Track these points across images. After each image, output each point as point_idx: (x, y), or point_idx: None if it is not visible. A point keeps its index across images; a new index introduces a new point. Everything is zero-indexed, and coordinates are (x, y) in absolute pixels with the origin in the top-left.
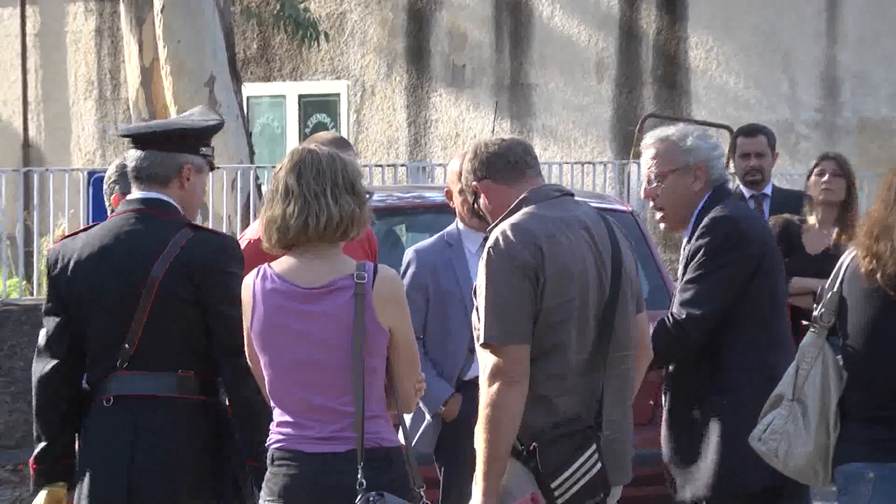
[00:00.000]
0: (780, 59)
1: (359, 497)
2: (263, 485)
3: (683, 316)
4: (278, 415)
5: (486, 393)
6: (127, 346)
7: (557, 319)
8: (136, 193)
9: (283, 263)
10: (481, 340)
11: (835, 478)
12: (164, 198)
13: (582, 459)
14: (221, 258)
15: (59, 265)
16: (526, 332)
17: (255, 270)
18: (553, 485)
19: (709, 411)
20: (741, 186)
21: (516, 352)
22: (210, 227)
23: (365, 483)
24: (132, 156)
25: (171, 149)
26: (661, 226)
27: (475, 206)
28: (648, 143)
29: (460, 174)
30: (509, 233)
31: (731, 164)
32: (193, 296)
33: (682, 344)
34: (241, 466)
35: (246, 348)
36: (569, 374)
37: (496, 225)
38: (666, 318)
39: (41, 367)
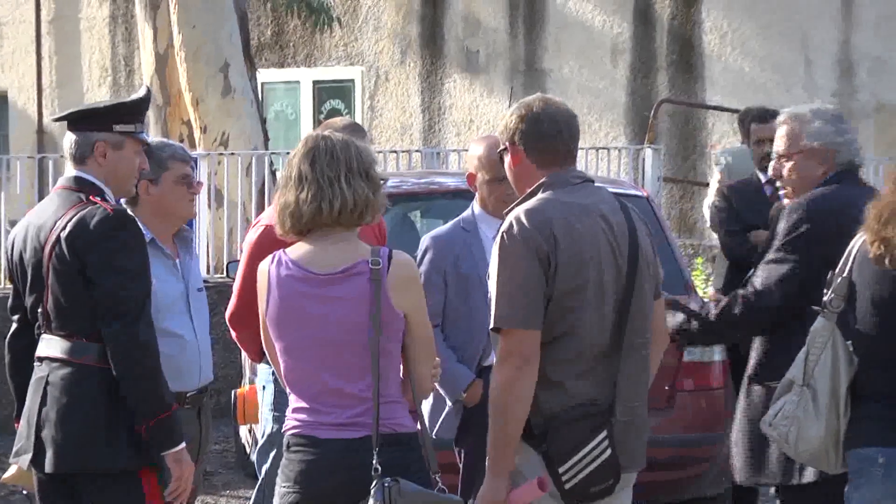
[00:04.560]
0: (796, 42)
1: (374, 482)
2: (280, 471)
3: (750, 297)
4: (294, 401)
5: (496, 377)
6: (40, 311)
7: (570, 305)
8: (66, 172)
9: (299, 249)
10: (492, 324)
11: (846, 461)
12: (84, 175)
13: (592, 445)
14: (98, 229)
15: (10, 239)
16: (537, 317)
17: (271, 257)
18: (561, 469)
19: (748, 396)
20: (758, 172)
21: (527, 336)
22: (225, 212)
23: (380, 469)
24: (66, 138)
25: (84, 129)
26: (786, 201)
27: (501, 159)
28: (781, 119)
29: (484, 160)
30: (523, 217)
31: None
32: (77, 266)
33: (744, 322)
34: (133, 428)
35: (262, 336)
36: (582, 359)
37: (512, 209)
38: (737, 294)
39: (9, 330)
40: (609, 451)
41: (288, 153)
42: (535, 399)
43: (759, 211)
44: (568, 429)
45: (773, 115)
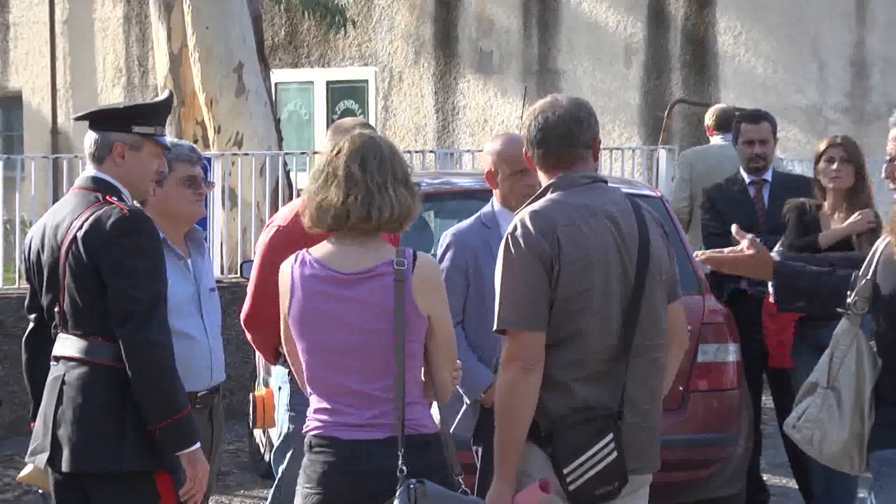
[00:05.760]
0: (809, 43)
1: (399, 484)
2: (301, 471)
3: None
4: (315, 401)
5: (500, 379)
6: (57, 310)
7: (574, 308)
8: (84, 172)
9: (323, 249)
10: (495, 326)
11: (869, 464)
12: (101, 175)
13: (597, 447)
14: (111, 230)
15: (27, 239)
16: (541, 318)
17: (294, 256)
18: (566, 471)
19: None
20: (742, 172)
21: (531, 338)
22: (239, 213)
23: (406, 470)
24: (86, 137)
25: (104, 129)
26: None
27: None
28: (895, 122)
29: (503, 154)
30: (527, 219)
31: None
32: (92, 266)
33: None
34: (147, 428)
35: (283, 336)
36: (588, 362)
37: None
38: None
39: (26, 329)
40: (615, 454)
41: (302, 153)
42: (542, 401)
43: (745, 211)
44: (574, 431)
45: (763, 116)
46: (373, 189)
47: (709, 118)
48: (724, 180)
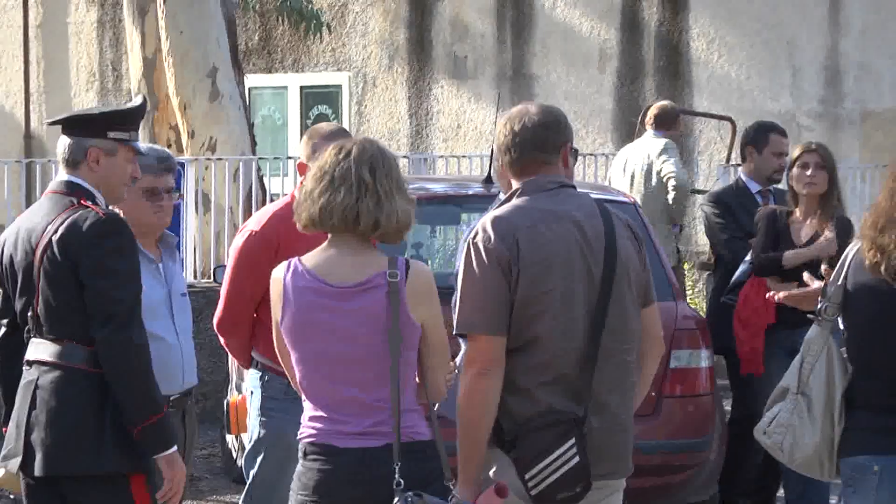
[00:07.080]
0: (783, 49)
1: (397, 497)
2: (295, 478)
3: None
4: (310, 409)
5: (461, 383)
6: (30, 314)
7: (535, 311)
8: (58, 176)
9: (315, 258)
10: (455, 330)
11: (840, 470)
12: (76, 180)
13: (559, 452)
14: (89, 232)
15: None
16: (500, 323)
17: (286, 265)
18: (528, 475)
19: None
20: (745, 179)
21: (490, 342)
22: (212, 217)
23: (402, 483)
24: (59, 142)
25: (79, 134)
26: None
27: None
28: None
29: None
30: (488, 224)
31: (734, 156)
32: (69, 269)
33: None
34: (127, 432)
35: (275, 343)
36: (552, 366)
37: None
38: None
39: None
40: (577, 459)
41: (276, 158)
42: (507, 405)
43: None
44: (536, 435)
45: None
46: (382, 196)
47: (650, 112)
48: (723, 189)
